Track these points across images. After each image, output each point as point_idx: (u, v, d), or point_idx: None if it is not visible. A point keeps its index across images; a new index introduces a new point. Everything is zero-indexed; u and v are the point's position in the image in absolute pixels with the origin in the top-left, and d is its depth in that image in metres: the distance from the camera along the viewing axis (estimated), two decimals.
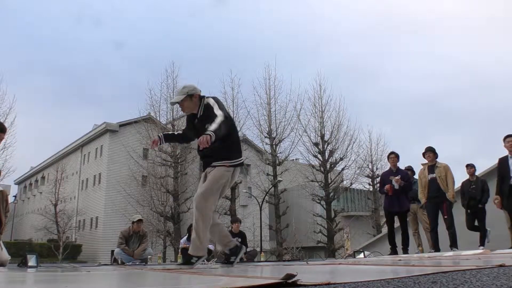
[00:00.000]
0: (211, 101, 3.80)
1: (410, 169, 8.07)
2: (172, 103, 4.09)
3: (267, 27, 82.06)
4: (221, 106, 3.75)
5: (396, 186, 7.07)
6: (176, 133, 4.37)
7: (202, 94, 3.93)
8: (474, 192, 7.41)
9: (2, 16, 70.78)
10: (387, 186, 7.11)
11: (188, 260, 3.68)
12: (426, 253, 6.68)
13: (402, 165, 7.75)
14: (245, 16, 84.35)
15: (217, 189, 3.72)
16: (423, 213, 7.64)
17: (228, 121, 3.70)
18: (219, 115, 3.62)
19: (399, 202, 7.17)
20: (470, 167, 7.68)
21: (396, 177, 7.11)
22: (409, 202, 7.82)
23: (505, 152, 6.29)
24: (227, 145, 3.76)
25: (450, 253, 5.63)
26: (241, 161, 3.90)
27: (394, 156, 7.46)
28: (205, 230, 3.66)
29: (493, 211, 6.79)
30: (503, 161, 6.30)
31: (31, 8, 79.28)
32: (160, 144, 4.10)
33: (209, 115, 3.66)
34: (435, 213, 6.85)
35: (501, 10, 74.68)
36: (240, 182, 25.07)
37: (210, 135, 3.40)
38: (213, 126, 3.49)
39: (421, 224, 7.86)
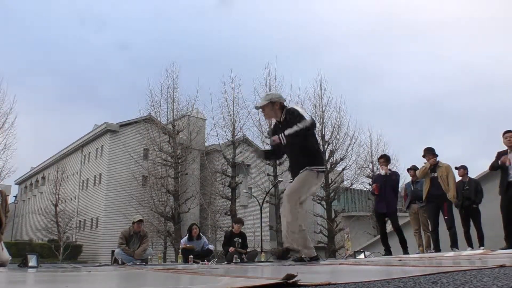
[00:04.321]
0: (295, 110, 4.01)
1: (413, 168, 8.09)
2: (256, 107, 4.41)
3: (268, 28, 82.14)
4: (303, 117, 3.94)
5: (383, 173, 7.12)
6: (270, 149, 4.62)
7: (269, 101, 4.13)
8: (468, 192, 7.43)
9: (4, 17, 70.86)
10: (372, 186, 7.14)
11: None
12: (427, 253, 6.68)
13: (403, 165, 7.79)
14: (246, 17, 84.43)
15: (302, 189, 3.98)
16: (423, 214, 7.65)
17: (308, 129, 3.89)
18: (302, 123, 3.83)
19: (387, 202, 7.12)
20: (463, 169, 7.76)
21: (384, 167, 7.21)
22: (410, 202, 7.86)
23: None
24: (308, 155, 4.01)
25: (451, 253, 5.62)
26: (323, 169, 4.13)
27: (383, 161, 7.58)
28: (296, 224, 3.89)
29: (491, 211, 6.77)
30: (502, 154, 6.23)
31: (32, 9, 79.39)
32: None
33: (291, 122, 3.88)
34: (435, 213, 6.85)
35: (501, 10, 74.66)
36: (241, 183, 25.06)
37: (279, 137, 3.77)
38: (288, 131, 3.78)
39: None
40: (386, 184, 7.11)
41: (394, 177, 7.32)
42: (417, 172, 7.36)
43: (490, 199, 6.59)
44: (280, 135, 3.80)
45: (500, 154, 6.20)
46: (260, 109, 4.25)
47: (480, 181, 7.98)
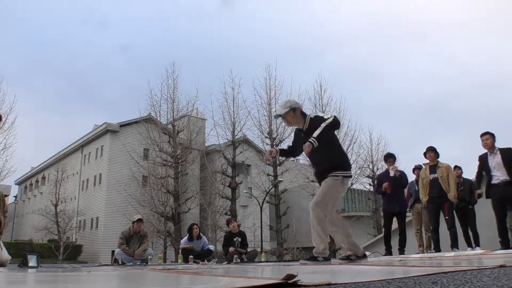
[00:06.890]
0: (319, 115, 3.99)
1: (418, 168, 8.07)
2: (276, 116, 4.22)
3: (269, 29, 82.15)
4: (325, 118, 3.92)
5: (392, 174, 7.12)
6: (287, 147, 4.51)
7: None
8: (463, 193, 7.42)
9: (4, 17, 70.87)
10: (385, 184, 7.14)
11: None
12: (427, 254, 6.68)
13: (403, 165, 7.80)
14: (246, 18, 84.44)
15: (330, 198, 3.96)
16: (427, 214, 7.64)
17: (332, 126, 3.83)
18: (328, 119, 3.78)
19: (399, 202, 7.18)
20: (458, 169, 7.76)
21: (393, 165, 7.21)
22: (414, 202, 7.86)
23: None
24: (332, 158, 3.93)
25: (451, 254, 5.62)
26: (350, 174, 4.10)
27: (393, 160, 7.56)
28: (323, 232, 3.96)
29: (489, 212, 6.75)
30: (483, 158, 6.29)
31: (32, 9, 79.39)
32: (276, 156, 4.24)
33: (316, 127, 3.80)
34: (436, 213, 6.84)
35: (501, 11, 74.67)
36: (241, 183, 25.05)
37: (311, 142, 3.64)
38: (316, 132, 3.69)
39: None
40: (396, 183, 7.15)
41: (404, 177, 7.36)
42: (419, 184, 7.35)
43: (488, 200, 6.56)
44: (310, 140, 3.67)
45: (481, 158, 6.27)
46: (281, 118, 4.11)
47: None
